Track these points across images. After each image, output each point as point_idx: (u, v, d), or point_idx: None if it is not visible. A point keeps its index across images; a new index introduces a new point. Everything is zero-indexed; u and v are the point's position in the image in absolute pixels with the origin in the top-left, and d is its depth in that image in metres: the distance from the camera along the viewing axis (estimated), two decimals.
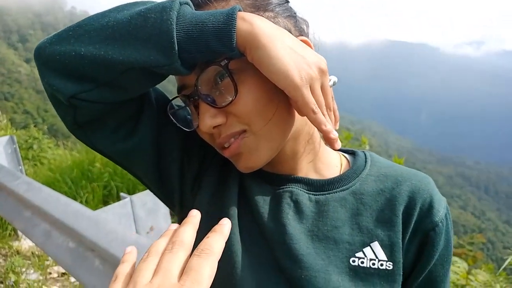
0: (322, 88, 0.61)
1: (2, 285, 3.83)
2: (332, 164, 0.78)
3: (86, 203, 4.78)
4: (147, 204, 2.69)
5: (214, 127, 0.64)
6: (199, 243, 0.70)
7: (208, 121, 0.63)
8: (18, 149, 4.99)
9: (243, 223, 0.71)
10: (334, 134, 0.61)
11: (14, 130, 8.54)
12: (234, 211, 0.71)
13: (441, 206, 0.70)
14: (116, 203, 2.63)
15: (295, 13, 0.72)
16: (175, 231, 0.51)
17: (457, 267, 2.75)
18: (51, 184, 5.16)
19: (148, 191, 2.97)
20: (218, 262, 0.70)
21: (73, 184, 5.08)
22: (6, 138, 4.98)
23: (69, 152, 6.54)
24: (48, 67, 0.61)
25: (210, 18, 0.56)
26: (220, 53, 0.58)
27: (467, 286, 2.67)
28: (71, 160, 5.58)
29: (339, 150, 0.84)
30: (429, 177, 0.75)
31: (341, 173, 0.76)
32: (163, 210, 2.83)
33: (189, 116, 0.76)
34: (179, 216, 0.81)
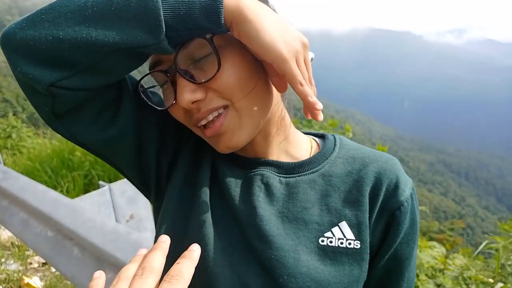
0: (305, 61, 0.62)
1: None
2: (303, 147, 0.78)
3: (67, 193, 4.71)
4: (126, 192, 2.66)
5: (193, 102, 0.63)
6: (174, 225, 0.72)
7: (187, 95, 0.61)
8: None
9: (214, 206, 0.71)
10: (319, 106, 0.62)
11: None
12: (206, 194, 0.71)
13: (407, 187, 0.71)
14: (95, 192, 2.59)
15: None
16: (145, 256, 0.51)
17: (436, 252, 2.81)
18: (30, 173, 5.07)
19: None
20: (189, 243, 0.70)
21: (53, 173, 4.99)
22: None
23: (49, 141, 6.41)
24: (21, 54, 0.55)
25: None
26: (207, 30, 0.57)
27: (445, 270, 2.74)
28: (51, 149, 5.47)
29: (309, 133, 0.84)
30: (395, 159, 0.76)
31: (311, 155, 0.77)
32: (143, 198, 2.81)
33: (158, 97, 0.74)
34: (154, 204, 0.80)
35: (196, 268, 0.49)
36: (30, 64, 0.55)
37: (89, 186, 4.96)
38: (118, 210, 2.63)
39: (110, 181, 4.93)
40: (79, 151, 5.14)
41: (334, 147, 0.77)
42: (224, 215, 0.71)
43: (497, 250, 2.82)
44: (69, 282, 3.70)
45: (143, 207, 2.83)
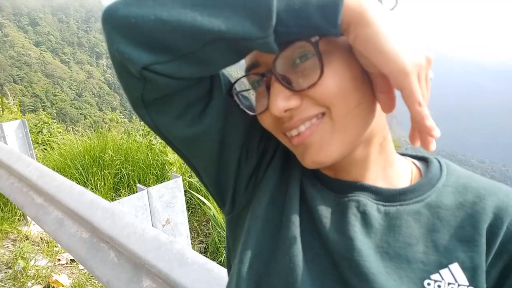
0: (426, 79, 0.54)
1: (10, 271, 3.81)
2: (403, 172, 0.69)
3: (97, 190, 4.74)
4: (164, 196, 2.62)
5: (286, 110, 0.58)
6: (260, 246, 0.66)
7: (280, 103, 0.57)
8: (29, 133, 4.94)
9: (304, 233, 0.64)
10: (437, 132, 0.53)
11: (21, 114, 8.52)
12: (296, 218, 0.64)
13: None
14: (133, 195, 2.56)
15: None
16: None
17: None
18: (61, 169, 5.13)
19: (165, 183, 2.92)
20: (279, 275, 0.62)
21: (84, 171, 5.02)
22: (17, 122, 4.93)
23: (80, 138, 6.49)
24: (120, 32, 0.52)
25: None
26: (319, 29, 0.50)
27: None
28: (82, 146, 5.52)
29: (406, 155, 0.75)
30: None
31: (413, 182, 0.67)
32: (180, 203, 2.77)
33: (249, 101, 0.70)
34: (228, 216, 0.75)
35: None
36: (128, 43, 0.52)
37: (118, 184, 4.97)
38: (155, 214, 2.59)
39: (139, 181, 4.94)
40: (110, 150, 5.17)
41: (441, 173, 0.67)
42: (314, 241, 0.63)
43: None
44: (96, 281, 3.70)
45: (180, 212, 2.79)
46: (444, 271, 0.59)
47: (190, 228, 4.56)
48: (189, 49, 0.52)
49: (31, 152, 4.96)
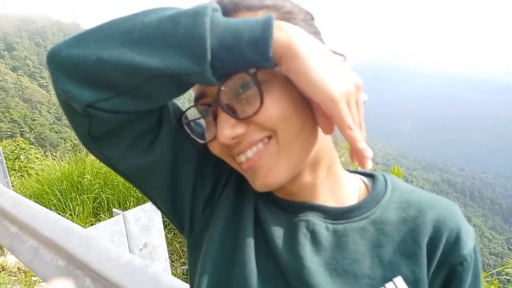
0: (356, 104, 0.58)
1: None
2: (351, 189, 0.73)
3: (76, 216, 4.65)
4: (140, 220, 2.60)
5: (233, 138, 0.60)
6: (217, 269, 0.68)
7: (227, 131, 0.59)
8: (4, 161, 4.85)
9: (259, 254, 0.66)
10: (369, 153, 0.56)
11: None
12: (251, 241, 0.67)
13: (469, 238, 0.65)
14: (109, 220, 2.54)
15: (319, 31, 0.68)
16: None
17: None
18: (39, 196, 5.03)
19: (141, 206, 2.90)
20: None
21: (62, 197, 4.93)
22: None
23: (58, 163, 6.38)
24: (64, 72, 0.55)
25: (245, 26, 0.52)
26: (253, 63, 0.54)
27: None
28: (60, 171, 5.43)
29: (356, 172, 0.79)
30: (455, 205, 0.70)
31: (360, 199, 0.71)
32: (157, 226, 2.75)
33: (202, 128, 0.72)
34: (188, 239, 0.76)
35: None
36: (71, 82, 0.54)
37: (98, 209, 4.89)
38: (131, 239, 2.57)
39: (119, 205, 4.87)
40: (88, 174, 5.09)
41: (386, 189, 0.71)
42: (268, 262, 0.66)
43: None
44: None
45: (157, 235, 2.77)
46: (389, 285, 0.62)
47: (172, 251, 4.51)
48: (130, 85, 0.55)
49: (6, 180, 4.86)
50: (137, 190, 4.95)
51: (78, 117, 0.59)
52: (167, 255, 2.97)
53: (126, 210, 2.84)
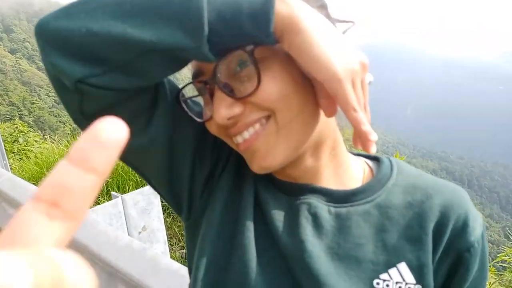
0: (362, 84, 0.55)
1: None
2: (355, 172, 0.70)
3: None
4: (139, 203, 2.60)
5: (229, 118, 0.58)
6: (215, 252, 0.66)
7: (223, 111, 0.57)
8: (2, 143, 4.83)
9: (259, 238, 0.64)
10: (374, 136, 0.54)
11: None
12: (250, 223, 0.65)
13: (477, 224, 0.63)
14: (107, 203, 2.53)
15: (326, 4, 0.64)
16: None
17: None
18: (37, 179, 5.02)
19: (140, 189, 2.89)
20: (235, 281, 0.63)
21: None
22: None
23: (57, 146, 6.36)
24: (52, 45, 0.52)
25: None
26: (253, 37, 0.51)
27: None
28: (58, 154, 5.41)
29: (360, 155, 0.76)
30: (463, 190, 0.68)
31: (364, 182, 0.69)
32: (156, 209, 2.74)
33: (200, 107, 0.69)
34: (186, 222, 0.75)
35: None
36: (60, 56, 0.52)
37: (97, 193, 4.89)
38: (130, 222, 2.56)
39: (118, 189, 4.86)
40: None
41: (391, 173, 0.68)
42: (268, 245, 0.64)
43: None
44: None
45: (156, 218, 2.76)
46: (392, 271, 0.60)
47: (171, 234, 4.52)
48: (122, 60, 0.52)
49: (4, 162, 4.85)
50: (136, 174, 4.96)
51: (69, 93, 0.56)
52: (166, 238, 2.98)
53: (125, 193, 2.84)
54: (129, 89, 0.57)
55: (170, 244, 4.33)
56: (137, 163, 0.70)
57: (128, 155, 0.68)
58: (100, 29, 0.49)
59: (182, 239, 4.46)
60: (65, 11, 0.52)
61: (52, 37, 0.52)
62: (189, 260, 0.77)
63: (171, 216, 4.68)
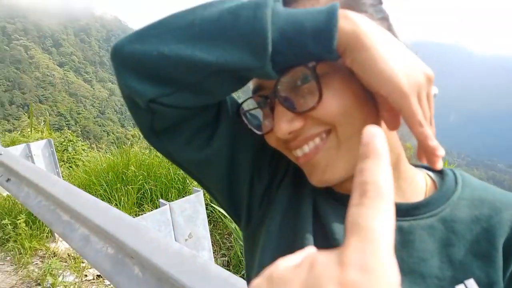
0: (427, 98, 0.54)
1: (39, 287, 3.90)
2: (418, 185, 0.68)
3: (121, 206, 4.82)
4: (186, 211, 2.65)
5: (290, 132, 0.59)
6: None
7: (284, 125, 0.58)
8: (55, 152, 5.08)
9: (318, 247, 0.64)
10: (441, 152, 0.53)
11: (51, 133, 8.79)
12: (310, 236, 0.64)
13: None
14: (156, 210, 2.60)
15: (388, 16, 0.64)
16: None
17: None
18: (86, 186, 5.24)
19: (187, 197, 2.96)
20: None
21: (108, 187, 5.11)
22: (44, 141, 5.09)
23: (103, 155, 6.63)
24: (127, 67, 0.56)
25: (307, 16, 0.49)
26: (315, 55, 0.51)
27: None
28: (105, 163, 5.63)
29: (420, 166, 0.74)
30: None
31: (427, 195, 0.66)
32: (202, 217, 2.79)
33: (257, 120, 0.71)
34: (244, 232, 0.76)
35: None
36: (134, 77, 0.55)
37: (141, 200, 5.04)
38: (177, 229, 2.62)
39: (161, 196, 4.99)
40: (133, 166, 5.25)
41: (456, 186, 0.65)
42: None
43: None
44: None
45: (201, 225, 2.81)
46: (460, 287, 0.58)
47: (212, 242, 4.57)
48: (190, 81, 0.54)
49: (57, 170, 5.10)
50: (179, 182, 5.08)
51: (141, 112, 0.60)
52: (210, 246, 3.02)
53: (169, 201, 2.91)
54: (196, 107, 0.60)
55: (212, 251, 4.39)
56: (199, 174, 0.73)
57: (191, 167, 0.71)
58: (171, 52, 0.52)
59: (223, 247, 4.50)
60: (138, 35, 0.55)
61: (127, 60, 0.55)
62: (247, 270, 0.78)
63: (212, 224, 4.74)
